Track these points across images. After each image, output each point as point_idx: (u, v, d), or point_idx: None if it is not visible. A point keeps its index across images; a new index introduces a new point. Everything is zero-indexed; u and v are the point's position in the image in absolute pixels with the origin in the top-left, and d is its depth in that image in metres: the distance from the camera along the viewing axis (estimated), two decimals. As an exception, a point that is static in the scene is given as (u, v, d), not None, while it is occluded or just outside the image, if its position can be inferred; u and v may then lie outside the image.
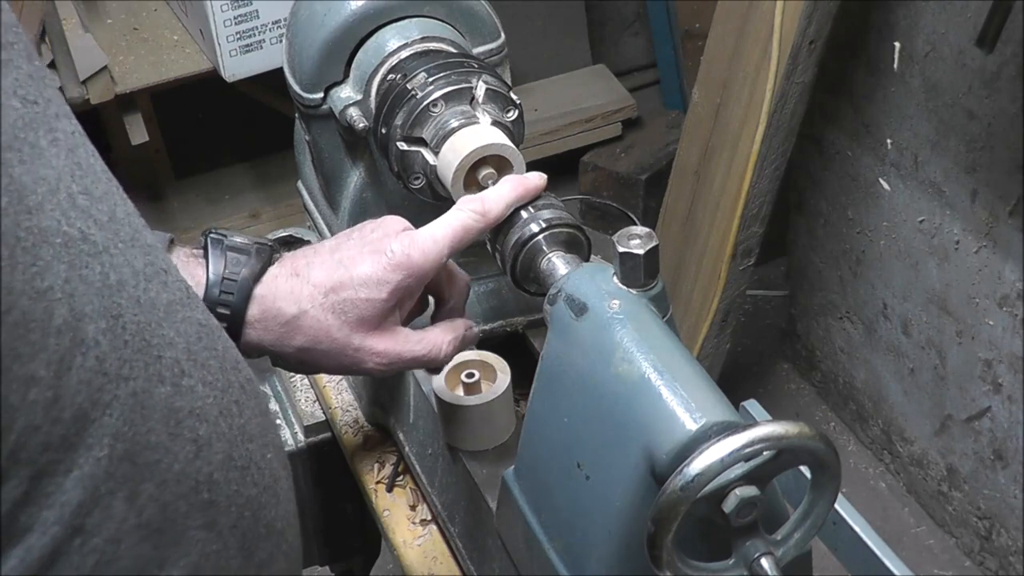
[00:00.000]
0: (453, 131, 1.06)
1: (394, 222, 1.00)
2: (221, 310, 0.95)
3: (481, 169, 1.05)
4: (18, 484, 0.56)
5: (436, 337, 1.01)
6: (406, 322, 1.01)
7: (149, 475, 0.63)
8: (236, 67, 2.59)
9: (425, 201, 1.12)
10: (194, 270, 0.97)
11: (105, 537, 0.61)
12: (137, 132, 2.73)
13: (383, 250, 0.97)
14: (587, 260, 0.99)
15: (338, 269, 0.97)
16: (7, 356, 0.54)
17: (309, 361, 0.98)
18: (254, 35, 2.57)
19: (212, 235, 0.99)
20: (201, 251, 0.99)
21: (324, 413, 1.36)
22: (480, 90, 1.07)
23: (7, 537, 0.57)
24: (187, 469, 0.66)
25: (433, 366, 1.04)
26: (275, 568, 0.76)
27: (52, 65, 2.53)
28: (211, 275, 0.96)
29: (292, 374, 1.38)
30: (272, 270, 0.98)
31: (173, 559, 0.66)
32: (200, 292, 0.95)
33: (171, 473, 0.65)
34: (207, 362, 0.70)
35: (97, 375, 0.59)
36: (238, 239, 0.99)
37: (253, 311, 0.96)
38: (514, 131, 1.09)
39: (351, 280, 0.96)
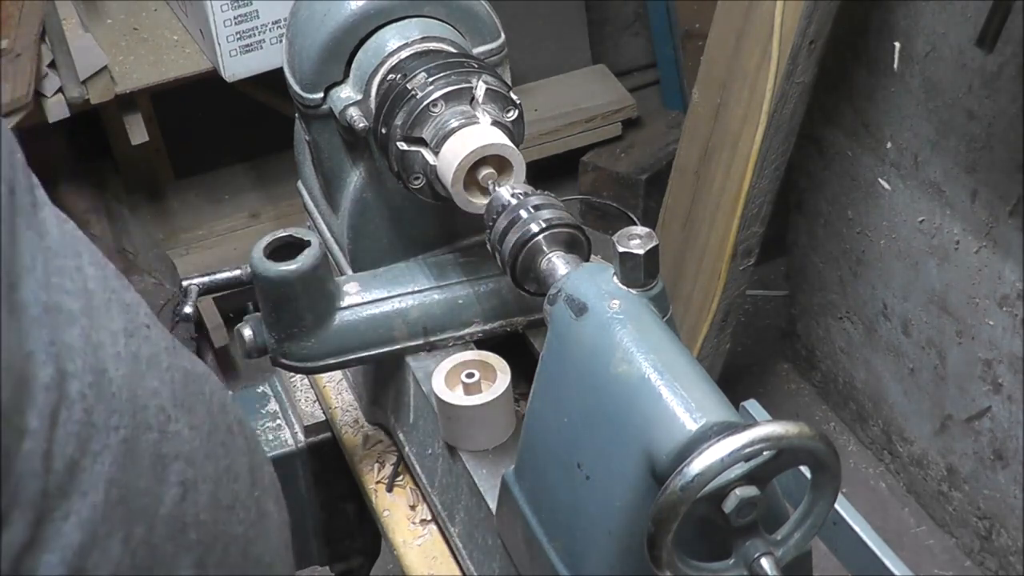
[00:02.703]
0: (453, 131, 1.06)
1: None
2: None
3: (481, 169, 1.05)
4: (22, 529, 0.60)
5: None
6: None
7: (140, 518, 0.66)
8: (236, 67, 2.59)
9: (425, 201, 1.12)
10: None
11: None
12: (137, 132, 2.73)
13: None
14: (587, 260, 1.00)
15: None
16: (7, 406, 0.58)
17: None
18: (254, 35, 2.57)
19: None
20: None
21: (324, 413, 1.36)
22: (480, 90, 1.07)
23: None
24: (174, 512, 0.69)
25: None
26: None
27: (52, 65, 2.53)
28: None
29: (292, 374, 1.38)
30: None
31: None
32: None
33: (159, 516, 0.68)
34: (194, 407, 0.73)
35: (85, 427, 0.63)
36: None
37: None
38: (514, 131, 1.09)
39: None
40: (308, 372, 1.25)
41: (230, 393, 0.82)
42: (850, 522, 1.09)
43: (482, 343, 1.19)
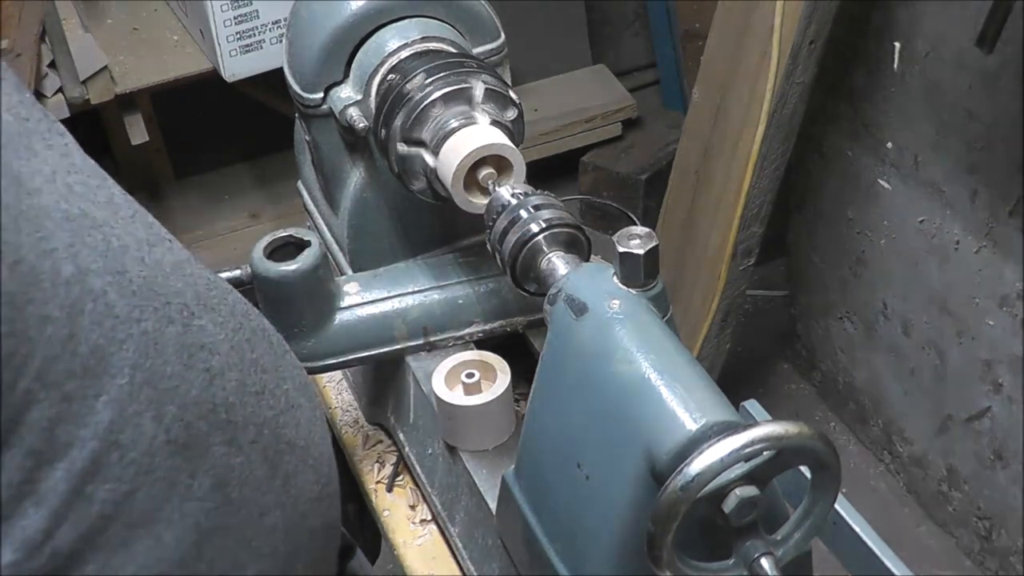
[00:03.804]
0: (453, 131, 1.06)
1: None
2: None
3: (481, 169, 1.05)
4: (51, 405, 0.68)
5: None
6: None
7: (170, 399, 0.74)
8: (236, 67, 2.59)
9: (425, 201, 1.12)
10: None
11: (141, 451, 0.72)
12: (137, 132, 2.73)
13: None
14: (587, 260, 0.99)
15: None
16: (21, 299, 0.66)
17: None
18: (254, 35, 2.57)
19: None
20: None
21: (324, 413, 1.36)
22: (479, 90, 1.07)
23: (52, 451, 0.68)
24: (203, 395, 0.77)
25: None
26: (303, 479, 0.86)
27: (52, 65, 2.53)
28: None
29: (292, 374, 1.38)
30: None
31: (202, 469, 0.76)
32: None
33: (189, 397, 0.76)
34: (217, 307, 0.82)
35: (108, 317, 0.71)
36: None
37: None
38: (514, 131, 1.09)
39: None
40: (308, 372, 1.25)
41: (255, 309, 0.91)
42: (850, 522, 1.09)
43: (482, 343, 1.19)
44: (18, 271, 0.66)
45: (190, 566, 0.76)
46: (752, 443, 0.76)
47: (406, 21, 1.14)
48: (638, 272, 0.89)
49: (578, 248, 1.00)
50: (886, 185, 2.31)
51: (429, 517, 1.22)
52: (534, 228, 0.99)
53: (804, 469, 0.83)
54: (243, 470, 0.80)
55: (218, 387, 0.78)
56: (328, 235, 1.27)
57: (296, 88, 1.17)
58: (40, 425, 0.68)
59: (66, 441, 0.69)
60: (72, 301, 0.69)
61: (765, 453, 0.78)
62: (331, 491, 0.93)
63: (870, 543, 1.08)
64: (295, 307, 1.13)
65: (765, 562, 0.81)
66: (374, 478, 1.27)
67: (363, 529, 1.43)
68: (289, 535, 0.85)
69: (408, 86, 1.07)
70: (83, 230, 0.72)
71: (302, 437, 0.87)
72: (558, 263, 0.97)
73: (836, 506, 0.97)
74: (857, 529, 1.08)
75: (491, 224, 1.02)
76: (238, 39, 2.56)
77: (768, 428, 0.77)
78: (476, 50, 1.16)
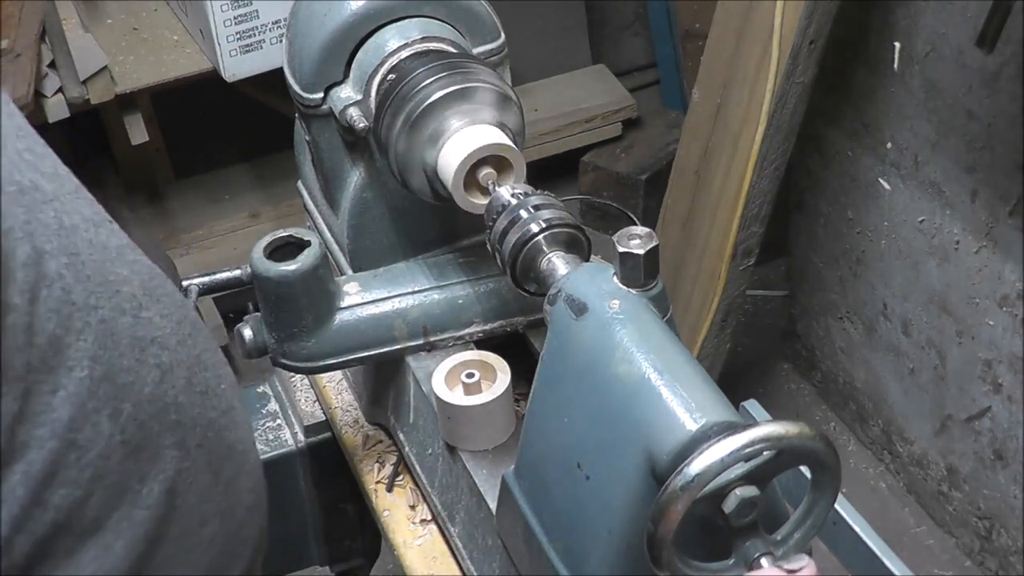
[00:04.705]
0: (453, 132, 1.06)
1: None
2: None
3: (481, 169, 1.05)
4: (13, 400, 0.62)
5: None
6: None
7: (126, 396, 0.69)
8: (236, 67, 2.59)
9: (425, 201, 1.12)
10: None
11: (97, 453, 0.67)
12: (137, 132, 2.73)
13: None
14: (587, 260, 0.99)
15: None
16: None
17: None
18: (254, 35, 2.57)
19: None
20: None
21: (324, 413, 1.36)
22: (479, 90, 1.07)
23: (8, 453, 0.63)
24: (156, 392, 0.72)
25: None
26: (241, 484, 0.82)
27: (52, 65, 2.53)
28: None
29: (292, 374, 1.38)
30: None
31: (152, 474, 0.72)
32: None
33: (143, 395, 0.71)
34: (161, 297, 0.77)
35: (65, 304, 0.66)
36: None
37: None
38: (514, 131, 1.09)
39: None
40: (308, 372, 1.25)
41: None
42: (850, 522, 1.09)
43: (482, 343, 1.19)
44: None
45: None
46: (752, 443, 0.76)
47: (406, 21, 1.14)
48: (638, 272, 0.89)
49: (578, 248, 1.00)
50: (886, 185, 2.31)
51: (429, 517, 1.22)
52: (534, 228, 0.99)
53: (804, 469, 0.83)
54: (189, 475, 0.75)
55: (168, 385, 0.74)
56: (328, 235, 1.27)
57: (296, 88, 1.17)
58: (2, 424, 0.62)
59: (24, 441, 0.63)
60: (31, 285, 0.63)
61: (765, 453, 0.78)
62: (263, 499, 0.89)
63: (870, 543, 1.08)
64: (295, 307, 1.13)
65: (765, 562, 0.81)
66: (374, 478, 1.27)
67: (363, 529, 1.43)
68: (227, 546, 0.81)
69: (408, 86, 1.07)
70: (36, 205, 0.66)
71: (240, 441, 0.84)
72: (558, 263, 0.97)
73: (836, 506, 0.97)
74: (857, 529, 1.09)
75: (491, 224, 1.02)
76: (238, 39, 2.56)
77: (768, 428, 0.77)
78: (476, 50, 1.16)
